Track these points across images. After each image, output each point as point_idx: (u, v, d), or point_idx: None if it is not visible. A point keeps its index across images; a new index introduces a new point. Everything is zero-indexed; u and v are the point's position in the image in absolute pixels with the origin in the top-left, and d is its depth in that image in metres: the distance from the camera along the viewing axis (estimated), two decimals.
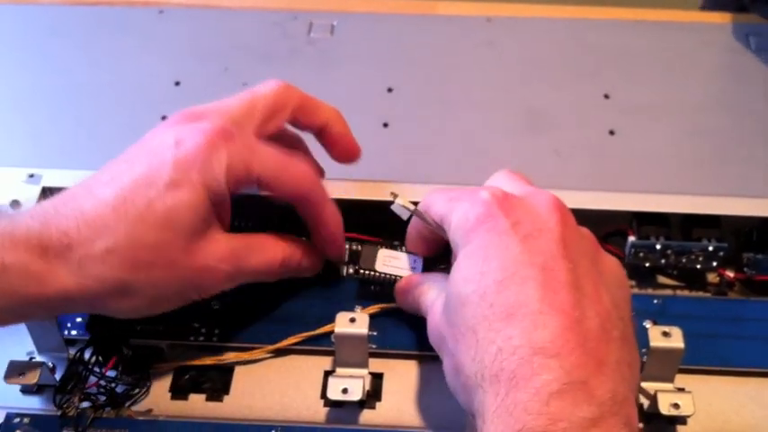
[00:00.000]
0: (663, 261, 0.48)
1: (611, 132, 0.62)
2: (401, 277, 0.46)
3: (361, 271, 0.46)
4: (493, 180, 0.43)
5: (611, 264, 0.40)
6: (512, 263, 0.37)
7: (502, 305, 0.36)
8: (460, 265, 0.38)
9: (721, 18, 0.72)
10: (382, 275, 0.46)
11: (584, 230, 0.41)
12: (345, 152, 0.48)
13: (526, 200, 0.40)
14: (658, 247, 0.48)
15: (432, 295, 0.42)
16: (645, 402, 0.43)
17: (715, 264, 0.48)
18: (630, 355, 0.37)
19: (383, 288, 0.47)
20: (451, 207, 0.41)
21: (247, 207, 0.46)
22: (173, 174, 0.40)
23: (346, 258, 0.48)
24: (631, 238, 0.48)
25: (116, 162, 0.42)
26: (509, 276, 0.36)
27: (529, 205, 0.39)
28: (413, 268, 0.46)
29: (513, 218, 0.38)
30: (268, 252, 0.44)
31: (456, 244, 0.40)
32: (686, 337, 0.41)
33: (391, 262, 0.46)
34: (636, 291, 0.49)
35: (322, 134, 0.47)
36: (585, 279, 0.37)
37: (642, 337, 0.42)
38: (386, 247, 0.47)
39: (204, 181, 0.40)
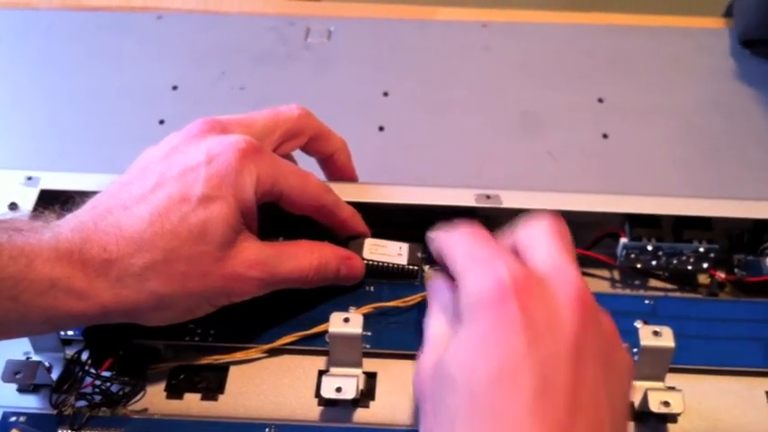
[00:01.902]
0: (654, 262, 0.49)
1: (605, 136, 0.63)
2: (390, 264, 0.47)
3: None
4: (531, 228, 0.39)
5: (625, 365, 0.38)
6: (511, 362, 0.34)
7: (488, 404, 0.34)
8: (460, 345, 0.36)
9: (714, 23, 0.72)
10: (371, 262, 0.47)
11: (605, 323, 0.38)
12: (343, 179, 0.50)
13: (549, 286, 0.36)
14: (650, 248, 0.48)
15: (433, 329, 0.40)
16: (636, 400, 0.43)
17: (706, 265, 0.48)
18: None
19: (377, 287, 0.47)
20: (467, 268, 0.38)
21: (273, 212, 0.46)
22: (205, 190, 0.41)
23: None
24: (623, 240, 0.48)
25: (144, 173, 0.43)
26: (505, 376, 0.34)
27: (549, 295, 0.36)
28: (399, 255, 0.47)
29: (526, 312, 0.35)
30: (301, 260, 0.44)
31: (461, 312, 0.37)
32: (677, 337, 0.42)
33: (378, 250, 0.48)
34: (628, 292, 0.50)
35: (328, 161, 0.50)
36: (587, 387, 0.34)
37: (633, 336, 0.43)
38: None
39: (236, 195, 0.42)
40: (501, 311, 0.35)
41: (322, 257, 0.45)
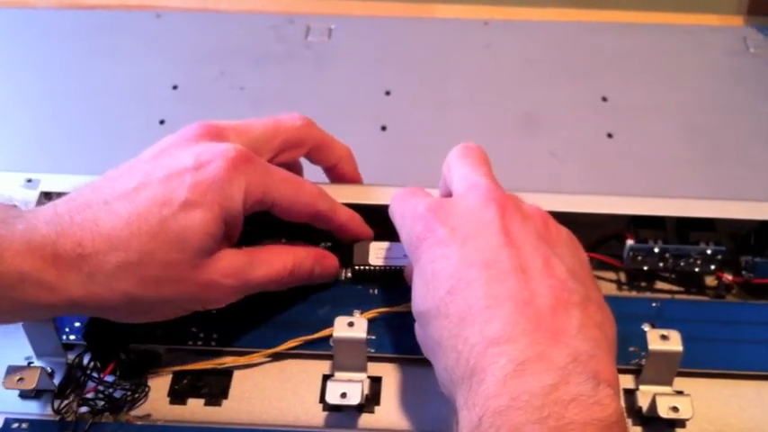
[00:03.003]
0: (661, 264, 0.48)
1: (609, 135, 0.62)
2: (396, 267, 0.47)
3: (357, 267, 0.47)
4: (447, 162, 0.44)
5: (563, 235, 0.41)
6: (455, 270, 0.38)
7: (455, 313, 0.37)
8: (416, 284, 0.40)
9: (719, 20, 0.72)
10: (377, 268, 0.47)
11: (531, 208, 0.41)
12: None
13: (462, 201, 0.41)
14: (656, 250, 0.48)
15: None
16: (644, 405, 0.43)
17: (713, 267, 0.48)
18: (598, 314, 0.38)
19: (381, 291, 0.47)
20: (401, 224, 0.42)
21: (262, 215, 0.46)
22: (189, 195, 0.40)
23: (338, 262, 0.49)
24: (629, 242, 0.48)
25: (131, 171, 0.42)
26: (455, 284, 0.37)
27: (465, 207, 0.40)
28: (404, 256, 0.46)
29: (449, 225, 0.39)
30: (274, 264, 0.44)
31: (411, 261, 0.41)
32: (684, 340, 0.42)
33: (383, 254, 0.47)
34: (634, 294, 0.49)
35: (332, 170, 0.49)
36: (533, 259, 0.38)
37: (641, 340, 0.43)
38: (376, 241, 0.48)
39: (221, 203, 0.41)
40: (431, 238, 0.39)
41: (296, 260, 0.45)
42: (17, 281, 0.39)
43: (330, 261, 0.47)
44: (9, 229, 0.39)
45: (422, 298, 0.39)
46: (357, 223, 0.47)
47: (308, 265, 0.46)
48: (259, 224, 0.45)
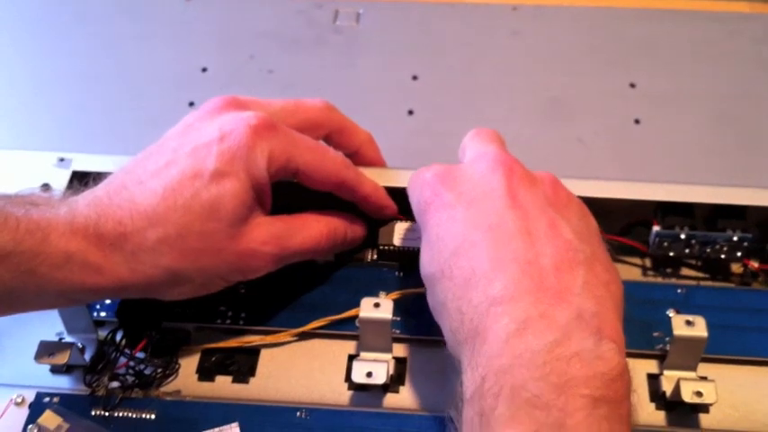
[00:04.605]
0: (687, 251, 0.48)
1: (637, 121, 0.62)
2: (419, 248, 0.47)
3: (382, 247, 0.48)
4: (463, 143, 0.45)
5: (572, 200, 0.41)
6: (460, 232, 0.38)
7: (460, 275, 0.37)
8: (422, 249, 0.41)
9: (749, 8, 0.71)
10: (401, 248, 0.47)
11: (540, 174, 0.42)
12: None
13: (470, 167, 0.41)
14: (683, 237, 0.48)
15: None
16: (668, 390, 0.43)
17: (739, 254, 0.48)
18: (604, 274, 0.38)
19: (407, 272, 0.47)
20: (411, 194, 0.43)
21: (290, 187, 0.46)
22: (218, 165, 0.41)
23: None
24: (656, 228, 0.48)
25: (160, 150, 0.43)
26: (460, 245, 0.38)
27: (472, 172, 0.41)
28: None
29: (456, 190, 0.40)
30: (311, 230, 0.45)
31: (419, 227, 0.42)
32: (710, 326, 0.41)
33: (408, 234, 0.48)
34: (660, 280, 0.49)
35: (355, 156, 0.49)
36: (538, 221, 0.38)
37: (665, 326, 0.43)
38: (401, 221, 0.48)
39: (248, 170, 0.42)
40: (437, 202, 0.40)
41: (329, 225, 0.46)
42: (64, 261, 0.39)
43: (359, 225, 0.48)
44: (54, 212, 0.40)
45: (428, 261, 0.40)
46: (381, 195, 0.47)
47: (342, 229, 0.46)
48: (289, 197, 0.45)
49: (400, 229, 0.48)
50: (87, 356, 0.46)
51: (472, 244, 0.38)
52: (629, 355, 0.36)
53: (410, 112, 0.64)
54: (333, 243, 0.46)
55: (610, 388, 0.33)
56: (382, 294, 0.46)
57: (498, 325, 0.35)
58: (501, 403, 0.33)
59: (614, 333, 0.35)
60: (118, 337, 0.45)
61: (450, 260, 0.38)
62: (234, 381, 0.45)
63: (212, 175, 0.41)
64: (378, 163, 0.50)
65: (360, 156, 0.50)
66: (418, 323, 0.46)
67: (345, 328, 0.46)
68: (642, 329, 0.45)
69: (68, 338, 0.46)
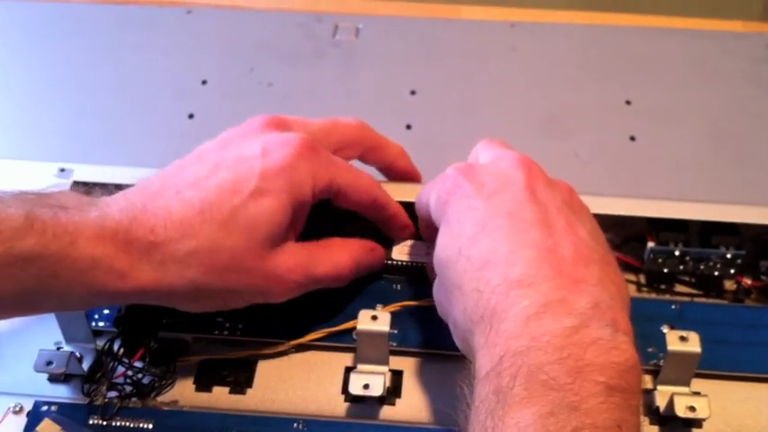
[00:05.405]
0: (681, 267, 0.49)
1: (632, 138, 0.63)
2: (418, 263, 0.48)
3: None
4: (473, 152, 0.46)
5: (585, 209, 0.43)
6: (481, 218, 0.39)
7: (477, 257, 0.38)
8: (440, 235, 0.41)
9: (742, 27, 0.72)
10: (400, 263, 0.48)
11: (559, 182, 0.43)
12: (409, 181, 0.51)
13: (491, 164, 0.43)
14: (677, 253, 0.48)
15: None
16: (662, 404, 0.43)
17: (733, 271, 0.48)
18: (615, 275, 0.39)
19: (404, 286, 0.48)
20: (429, 194, 0.44)
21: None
22: (259, 182, 0.41)
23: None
24: (650, 244, 0.48)
25: (199, 160, 0.43)
26: (480, 230, 0.39)
27: (493, 168, 0.42)
28: (427, 254, 0.47)
29: (477, 183, 0.41)
30: (335, 260, 0.45)
31: (437, 223, 0.42)
32: (703, 342, 0.42)
33: (407, 250, 0.48)
34: (654, 296, 0.50)
35: (389, 170, 0.50)
36: (557, 217, 0.39)
37: (659, 341, 0.43)
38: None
39: (290, 190, 0.42)
40: (459, 193, 0.41)
41: (353, 254, 0.46)
42: (90, 266, 0.39)
43: (379, 252, 0.48)
44: (83, 215, 0.40)
45: (445, 244, 0.40)
46: (404, 216, 0.48)
47: (365, 259, 0.46)
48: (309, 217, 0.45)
49: (399, 244, 0.48)
50: (85, 366, 0.46)
51: (492, 228, 0.38)
52: None
53: (408, 127, 0.64)
54: (355, 273, 0.46)
55: (623, 378, 0.34)
56: (380, 307, 0.46)
57: (518, 307, 0.35)
58: (518, 383, 0.33)
59: (627, 328, 0.36)
60: (116, 346, 0.45)
61: (468, 243, 0.39)
62: (231, 391, 0.45)
63: (252, 192, 0.41)
64: (412, 173, 0.51)
65: (394, 169, 0.50)
66: (415, 336, 0.46)
67: (343, 341, 0.46)
68: (636, 344, 0.45)
69: (67, 348, 0.47)
